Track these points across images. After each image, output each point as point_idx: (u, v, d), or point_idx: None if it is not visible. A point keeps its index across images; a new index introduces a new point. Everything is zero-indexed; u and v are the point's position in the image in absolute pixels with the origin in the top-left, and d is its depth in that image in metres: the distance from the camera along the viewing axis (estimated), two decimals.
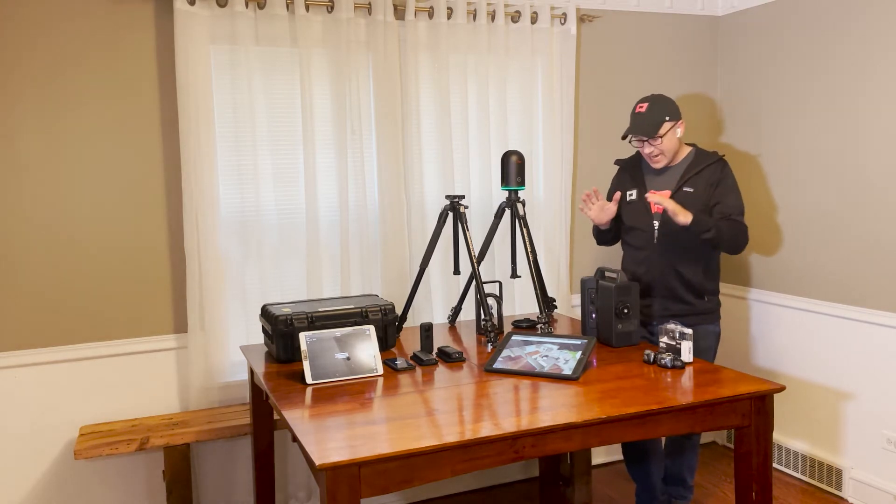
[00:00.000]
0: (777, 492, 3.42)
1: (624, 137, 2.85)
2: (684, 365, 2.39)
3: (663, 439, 3.15)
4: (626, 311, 2.60)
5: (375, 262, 3.26)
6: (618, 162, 3.07)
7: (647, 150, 2.83)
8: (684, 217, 2.62)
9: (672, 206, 2.62)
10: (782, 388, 2.18)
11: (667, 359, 2.37)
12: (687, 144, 2.91)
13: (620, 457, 3.81)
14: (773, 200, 3.62)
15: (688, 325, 2.79)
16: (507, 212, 3.41)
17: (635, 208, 2.92)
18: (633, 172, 2.97)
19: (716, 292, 2.92)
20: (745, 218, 3.76)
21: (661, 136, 2.78)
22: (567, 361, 2.35)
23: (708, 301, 2.88)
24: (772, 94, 3.59)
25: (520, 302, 3.51)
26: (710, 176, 2.80)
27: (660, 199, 2.64)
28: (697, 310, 2.86)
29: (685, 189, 2.80)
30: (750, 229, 3.76)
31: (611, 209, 2.86)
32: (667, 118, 2.78)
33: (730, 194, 2.80)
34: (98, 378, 2.95)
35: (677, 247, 2.81)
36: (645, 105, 2.81)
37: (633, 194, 2.94)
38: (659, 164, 2.85)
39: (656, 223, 2.85)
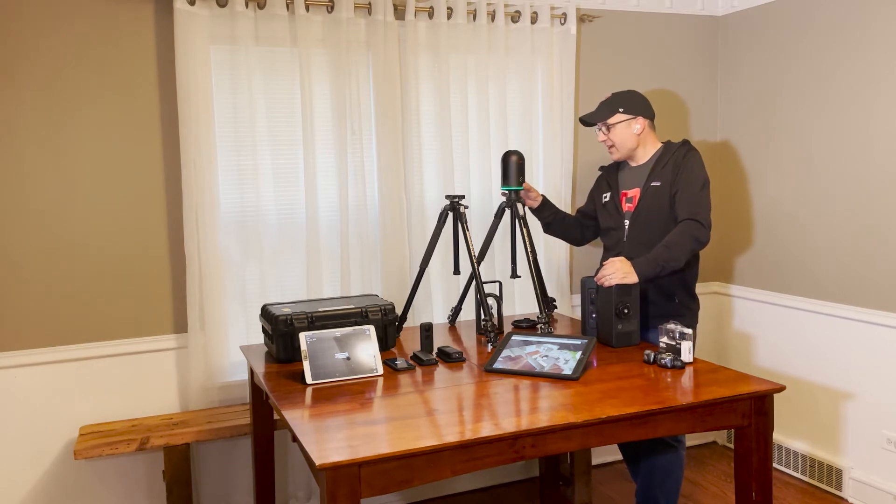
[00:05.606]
0: (777, 492, 3.43)
1: (582, 122, 2.91)
2: (684, 365, 2.39)
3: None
4: (626, 311, 2.60)
5: (375, 262, 3.26)
6: (601, 168, 3.09)
7: (600, 138, 2.90)
8: (632, 279, 2.59)
9: (618, 279, 2.58)
10: (782, 388, 2.18)
11: (667, 359, 2.37)
12: (661, 142, 2.92)
13: (620, 457, 3.81)
14: (773, 200, 3.62)
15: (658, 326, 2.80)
16: (507, 212, 3.41)
17: (607, 210, 2.95)
18: (609, 176, 3.00)
19: (688, 294, 2.86)
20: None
21: (607, 124, 2.83)
22: (567, 361, 2.35)
23: (679, 302, 2.83)
24: (772, 94, 3.59)
25: (520, 302, 3.51)
26: (674, 163, 2.80)
27: (605, 279, 2.60)
28: (666, 311, 2.83)
29: (653, 184, 2.81)
30: (750, 229, 3.76)
31: (532, 195, 2.98)
32: (621, 109, 2.82)
33: (688, 183, 2.73)
34: (98, 378, 2.95)
35: (645, 247, 2.78)
36: (610, 95, 2.89)
37: (606, 197, 2.97)
38: (613, 155, 2.90)
39: (626, 222, 2.86)
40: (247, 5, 2.95)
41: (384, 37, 3.14)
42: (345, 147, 3.13)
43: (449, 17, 3.22)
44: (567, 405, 2.05)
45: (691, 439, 4.00)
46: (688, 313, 2.86)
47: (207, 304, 2.98)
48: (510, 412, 2.00)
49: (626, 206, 2.88)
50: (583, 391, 2.17)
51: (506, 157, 2.84)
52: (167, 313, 3.03)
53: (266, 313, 2.65)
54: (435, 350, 2.66)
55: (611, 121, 2.83)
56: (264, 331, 2.70)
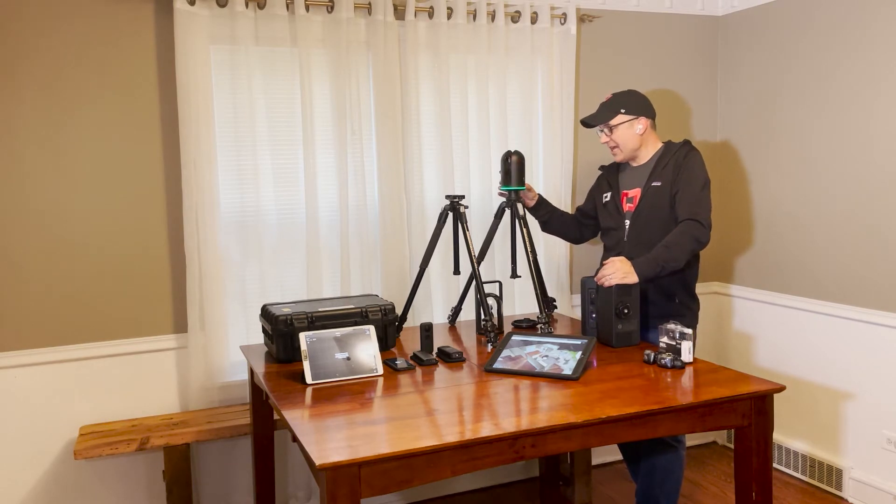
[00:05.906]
0: (777, 492, 3.43)
1: (583, 124, 2.89)
2: (684, 365, 2.39)
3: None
4: (626, 311, 2.60)
5: (375, 262, 3.26)
6: (601, 168, 3.09)
7: (603, 139, 2.89)
8: (632, 279, 2.58)
9: (618, 279, 2.57)
10: (782, 388, 2.18)
11: (667, 359, 2.37)
12: (661, 142, 2.92)
13: (620, 457, 3.81)
14: (773, 200, 3.62)
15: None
16: (507, 212, 3.41)
17: (608, 209, 2.95)
18: (609, 176, 3.00)
19: (688, 294, 2.86)
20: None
21: (610, 126, 2.83)
22: (567, 361, 2.35)
23: (679, 302, 2.83)
24: (772, 94, 3.59)
25: (520, 302, 3.51)
26: (675, 163, 2.79)
27: (605, 279, 2.60)
28: (666, 311, 2.82)
29: (654, 184, 2.81)
30: (750, 229, 3.76)
31: (531, 195, 3.05)
32: (622, 110, 2.81)
33: (688, 183, 2.73)
34: (98, 378, 2.95)
35: (645, 247, 2.78)
36: (610, 96, 2.88)
37: (607, 196, 2.97)
38: (616, 156, 2.90)
39: (627, 222, 2.86)
40: (247, 5, 2.95)
41: (384, 37, 3.14)
42: (345, 147, 3.13)
43: (449, 17, 3.22)
44: (567, 405, 2.05)
45: (691, 439, 4.00)
46: (688, 313, 2.86)
47: (207, 304, 2.98)
48: (510, 412, 2.00)
49: (627, 206, 2.88)
50: (583, 391, 2.17)
51: (506, 158, 2.84)
52: (167, 313, 3.03)
53: (266, 313, 2.65)
54: (435, 350, 2.66)
55: (613, 122, 2.83)
56: (264, 331, 2.70)
